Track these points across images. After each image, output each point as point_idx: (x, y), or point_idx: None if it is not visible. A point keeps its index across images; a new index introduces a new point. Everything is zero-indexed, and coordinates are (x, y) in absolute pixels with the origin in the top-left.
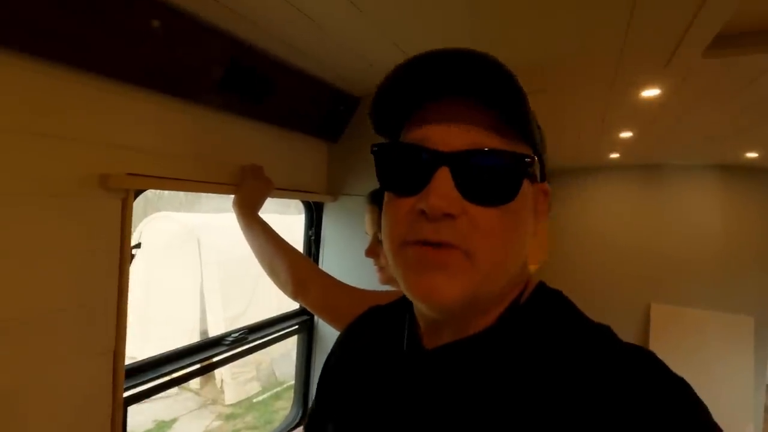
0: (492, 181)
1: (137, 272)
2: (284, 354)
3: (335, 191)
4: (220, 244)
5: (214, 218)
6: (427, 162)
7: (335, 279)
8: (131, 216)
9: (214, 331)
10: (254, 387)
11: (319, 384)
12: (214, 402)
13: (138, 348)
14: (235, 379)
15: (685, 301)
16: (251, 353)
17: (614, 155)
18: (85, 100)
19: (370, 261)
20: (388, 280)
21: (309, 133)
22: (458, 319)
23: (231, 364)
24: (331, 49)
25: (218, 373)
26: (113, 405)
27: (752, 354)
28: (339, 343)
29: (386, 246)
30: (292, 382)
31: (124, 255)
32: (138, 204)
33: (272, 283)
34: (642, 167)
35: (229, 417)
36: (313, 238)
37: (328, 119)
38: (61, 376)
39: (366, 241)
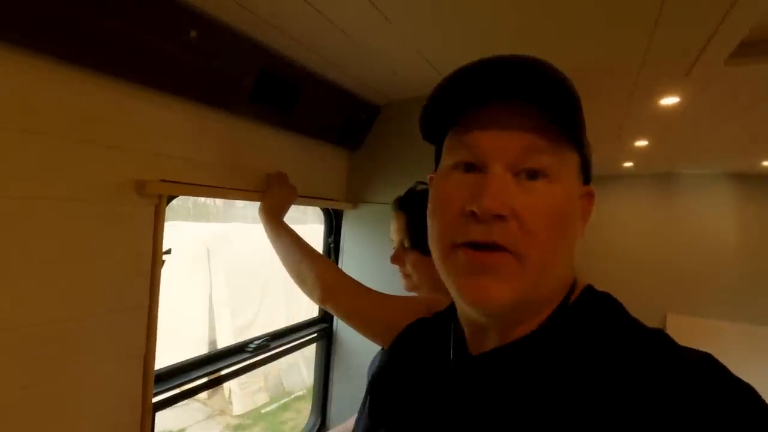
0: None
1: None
2: (292, 364)
3: (355, 199)
4: (229, 253)
5: (223, 228)
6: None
7: (363, 285)
8: (164, 221)
9: (222, 341)
10: (262, 398)
11: (371, 391)
12: (222, 413)
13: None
14: (243, 390)
15: (702, 312)
16: (273, 360)
17: (628, 164)
18: (122, 107)
19: (390, 268)
20: (413, 287)
21: (330, 141)
22: (504, 323)
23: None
24: (356, 57)
25: (226, 383)
26: (143, 409)
27: None
28: (389, 352)
29: (434, 248)
30: (300, 392)
31: (156, 260)
32: None
33: (280, 292)
34: (656, 176)
35: (237, 428)
36: (332, 245)
37: (349, 127)
38: (94, 379)
39: (388, 249)
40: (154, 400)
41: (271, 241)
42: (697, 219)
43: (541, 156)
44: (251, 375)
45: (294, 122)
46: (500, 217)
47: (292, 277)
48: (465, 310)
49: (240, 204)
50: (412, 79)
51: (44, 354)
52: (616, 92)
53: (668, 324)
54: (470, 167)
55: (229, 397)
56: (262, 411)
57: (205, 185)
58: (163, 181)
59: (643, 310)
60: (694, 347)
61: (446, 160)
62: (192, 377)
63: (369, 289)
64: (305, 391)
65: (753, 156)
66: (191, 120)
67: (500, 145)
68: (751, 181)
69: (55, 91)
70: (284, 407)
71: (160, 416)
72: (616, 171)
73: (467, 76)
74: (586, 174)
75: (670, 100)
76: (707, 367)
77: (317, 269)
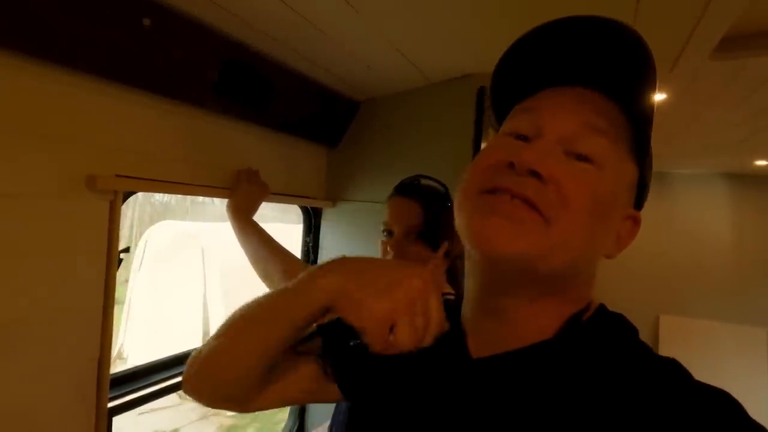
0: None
1: (144, 279)
2: None
3: (334, 197)
4: (223, 251)
5: (218, 226)
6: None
7: None
8: (119, 219)
9: None
10: None
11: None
12: (216, 413)
13: (147, 354)
14: None
15: (695, 313)
16: None
17: None
18: (73, 99)
19: None
20: None
21: (307, 137)
22: (510, 319)
23: None
24: (329, 51)
25: None
26: (97, 415)
27: (766, 367)
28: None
29: (458, 196)
30: None
31: (111, 259)
32: (144, 212)
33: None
34: None
35: (230, 428)
36: (311, 244)
37: (327, 124)
38: (42, 384)
39: (369, 247)
40: (111, 404)
41: (239, 239)
42: (690, 219)
43: (597, 138)
44: None
45: (267, 117)
46: (538, 175)
47: (260, 277)
48: (473, 268)
49: None
50: (389, 73)
51: None
52: None
53: (661, 325)
54: (522, 138)
55: None
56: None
57: (166, 181)
58: (118, 176)
59: (635, 311)
60: (687, 349)
61: (502, 129)
62: (153, 381)
63: None
64: None
65: (745, 155)
66: (151, 113)
67: (559, 117)
68: (744, 180)
69: None
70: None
71: (153, 417)
72: None
73: (549, 45)
74: (639, 198)
75: (657, 96)
76: (723, 403)
77: (284, 267)
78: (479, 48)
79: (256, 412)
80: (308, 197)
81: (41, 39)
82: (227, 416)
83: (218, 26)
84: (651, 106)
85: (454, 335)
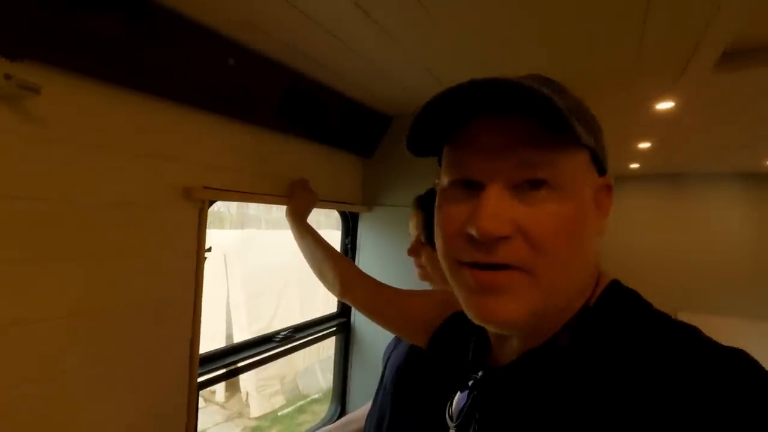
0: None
1: None
2: (308, 368)
3: (370, 202)
4: (244, 258)
5: (239, 234)
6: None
7: (379, 282)
8: (206, 222)
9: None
10: (279, 400)
11: (395, 382)
12: (240, 415)
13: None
14: (260, 393)
15: (714, 309)
16: (297, 350)
17: (634, 165)
18: (172, 125)
19: (404, 265)
20: (425, 277)
21: (346, 149)
22: (523, 332)
23: (256, 378)
24: (369, 74)
25: (243, 386)
26: (189, 389)
27: None
28: (429, 350)
29: (442, 262)
30: (316, 395)
31: (200, 256)
32: None
33: (294, 297)
34: (664, 176)
35: (254, 430)
36: (349, 245)
37: (364, 137)
38: (146, 361)
39: (402, 247)
40: (198, 380)
41: (296, 240)
42: (708, 218)
43: (536, 169)
44: (268, 378)
45: (315, 133)
46: (503, 238)
47: (315, 273)
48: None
49: (253, 211)
50: (420, 92)
51: (106, 337)
52: (613, 98)
53: None
54: (468, 184)
55: (247, 400)
56: (279, 413)
57: (239, 191)
58: (205, 187)
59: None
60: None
61: (445, 177)
62: (227, 362)
63: (383, 284)
64: (321, 394)
65: (755, 156)
66: (227, 133)
67: (492, 164)
68: (759, 179)
69: (118, 113)
70: (300, 410)
71: None
72: (623, 172)
73: (454, 94)
74: (599, 165)
75: (665, 105)
76: (745, 368)
77: (337, 267)
78: (504, 71)
79: (278, 414)
80: (347, 203)
81: (152, 78)
82: (251, 418)
83: (283, 60)
84: (564, 112)
85: (479, 346)
